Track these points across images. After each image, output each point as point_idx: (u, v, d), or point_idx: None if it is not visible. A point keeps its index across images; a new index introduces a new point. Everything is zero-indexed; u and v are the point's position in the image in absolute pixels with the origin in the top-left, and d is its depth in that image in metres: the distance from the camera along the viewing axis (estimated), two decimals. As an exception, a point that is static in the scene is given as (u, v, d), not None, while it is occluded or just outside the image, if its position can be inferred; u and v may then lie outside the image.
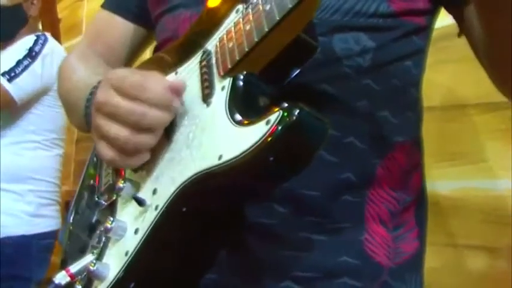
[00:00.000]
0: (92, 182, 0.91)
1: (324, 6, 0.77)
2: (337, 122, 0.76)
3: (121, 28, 1.02)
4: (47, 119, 2.32)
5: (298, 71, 0.70)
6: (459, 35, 0.83)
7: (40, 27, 2.90)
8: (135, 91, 0.70)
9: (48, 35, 2.39)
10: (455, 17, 0.85)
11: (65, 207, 1.00)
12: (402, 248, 0.81)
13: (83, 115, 0.87)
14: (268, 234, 0.76)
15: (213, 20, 0.76)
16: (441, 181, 1.29)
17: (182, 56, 0.79)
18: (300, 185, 0.75)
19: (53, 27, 3.06)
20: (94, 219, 0.85)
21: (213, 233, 0.75)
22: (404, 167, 0.82)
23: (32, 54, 2.22)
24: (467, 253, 1.25)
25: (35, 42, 2.26)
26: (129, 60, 1.05)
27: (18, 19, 2.32)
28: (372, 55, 0.78)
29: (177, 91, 0.72)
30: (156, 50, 0.95)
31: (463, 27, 0.83)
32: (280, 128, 0.60)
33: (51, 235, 2.28)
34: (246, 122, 0.64)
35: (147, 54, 1.08)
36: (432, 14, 0.85)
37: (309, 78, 0.75)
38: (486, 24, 0.74)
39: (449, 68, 1.24)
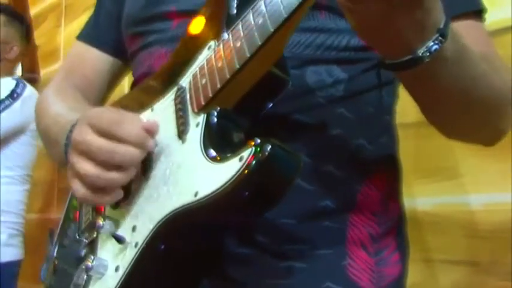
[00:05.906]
0: (74, 215, 0.91)
1: (296, 42, 0.78)
2: (313, 151, 0.77)
3: (97, 60, 1.03)
4: (21, 156, 2.49)
5: (271, 104, 0.71)
6: None
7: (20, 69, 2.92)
8: (110, 128, 0.72)
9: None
10: None
11: (49, 234, 1.00)
12: (385, 272, 0.81)
13: (63, 151, 0.87)
14: (249, 264, 0.77)
15: (187, 57, 0.77)
16: (419, 197, 1.30)
17: (157, 92, 0.80)
18: (279, 214, 0.75)
19: (31, 54, 3.05)
20: (78, 254, 0.85)
21: (194, 265, 0.75)
22: (384, 192, 0.83)
23: (13, 96, 2.40)
24: (449, 268, 1.26)
25: (17, 85, 2.44)
26: (105, 91, 1.05)
27: None
28: (344, 86, 0.80)
29: (151, 131, 0.74)
30: (132, 85, 0.96)
31: None
32: (253, 163, 0.61)
33: (17, 264, 2.46)
34: (220, 158, 0.65)
35: (126, 83, 1.08)
36: None
37: (283, 110, 0.76)
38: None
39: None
